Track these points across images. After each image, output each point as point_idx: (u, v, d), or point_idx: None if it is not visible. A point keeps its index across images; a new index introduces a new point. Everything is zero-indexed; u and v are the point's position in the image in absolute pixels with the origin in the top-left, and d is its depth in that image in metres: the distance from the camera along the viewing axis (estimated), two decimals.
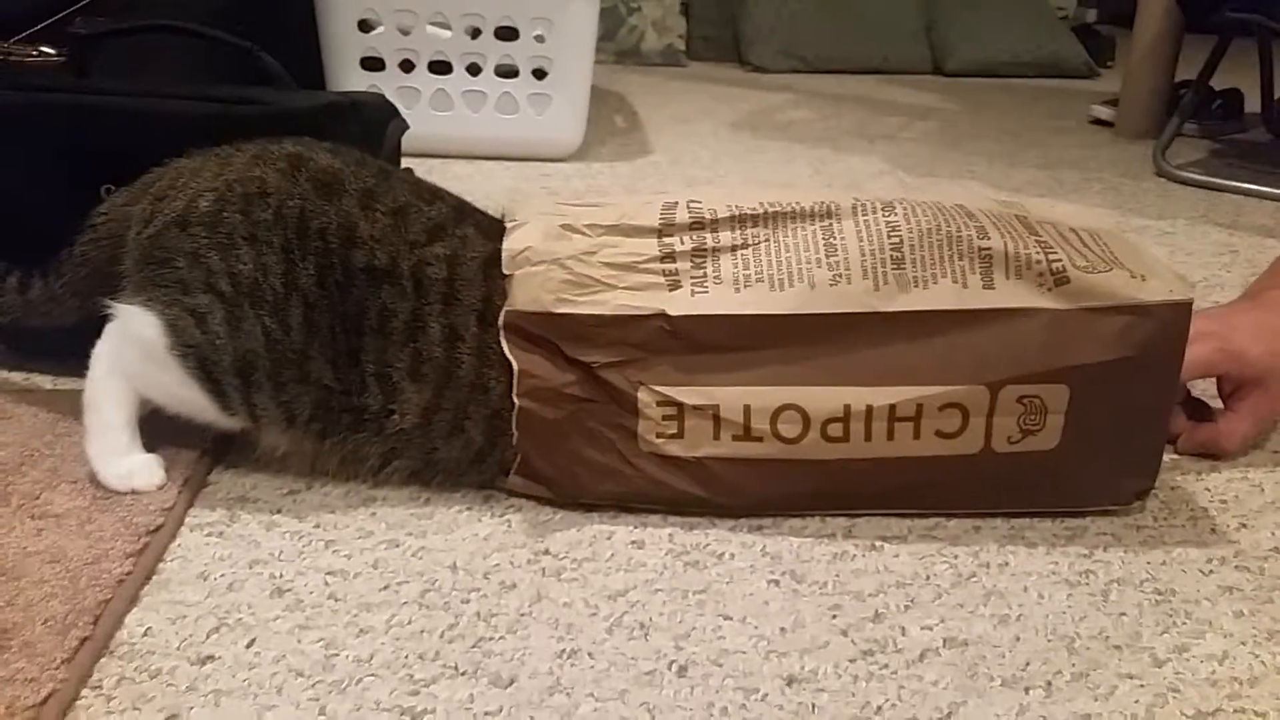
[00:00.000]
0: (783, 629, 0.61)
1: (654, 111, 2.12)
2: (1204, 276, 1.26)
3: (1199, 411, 0.84)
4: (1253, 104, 2.13)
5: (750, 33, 2.76)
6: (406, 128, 0.94)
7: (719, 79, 2.60)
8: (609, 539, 0.68)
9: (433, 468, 0.70)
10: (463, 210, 0.71)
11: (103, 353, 0.69)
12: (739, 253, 0.69)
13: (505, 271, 0.67)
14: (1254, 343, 0.80)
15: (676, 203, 0.72)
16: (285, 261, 0.66)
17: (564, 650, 0.58)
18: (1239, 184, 1.69)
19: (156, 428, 0.71)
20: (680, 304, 0.67)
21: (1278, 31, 1.74)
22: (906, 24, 2.87)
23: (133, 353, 0.67)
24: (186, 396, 0.67)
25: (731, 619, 0.61)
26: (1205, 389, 0.86)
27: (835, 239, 0.69)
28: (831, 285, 0.67)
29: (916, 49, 2.85)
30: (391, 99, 1.55)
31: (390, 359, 0.66)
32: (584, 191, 1.51)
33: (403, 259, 0.66)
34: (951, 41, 2.85)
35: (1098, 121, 2.19)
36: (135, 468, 0.69)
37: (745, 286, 0.67)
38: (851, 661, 0.58)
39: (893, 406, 0.67)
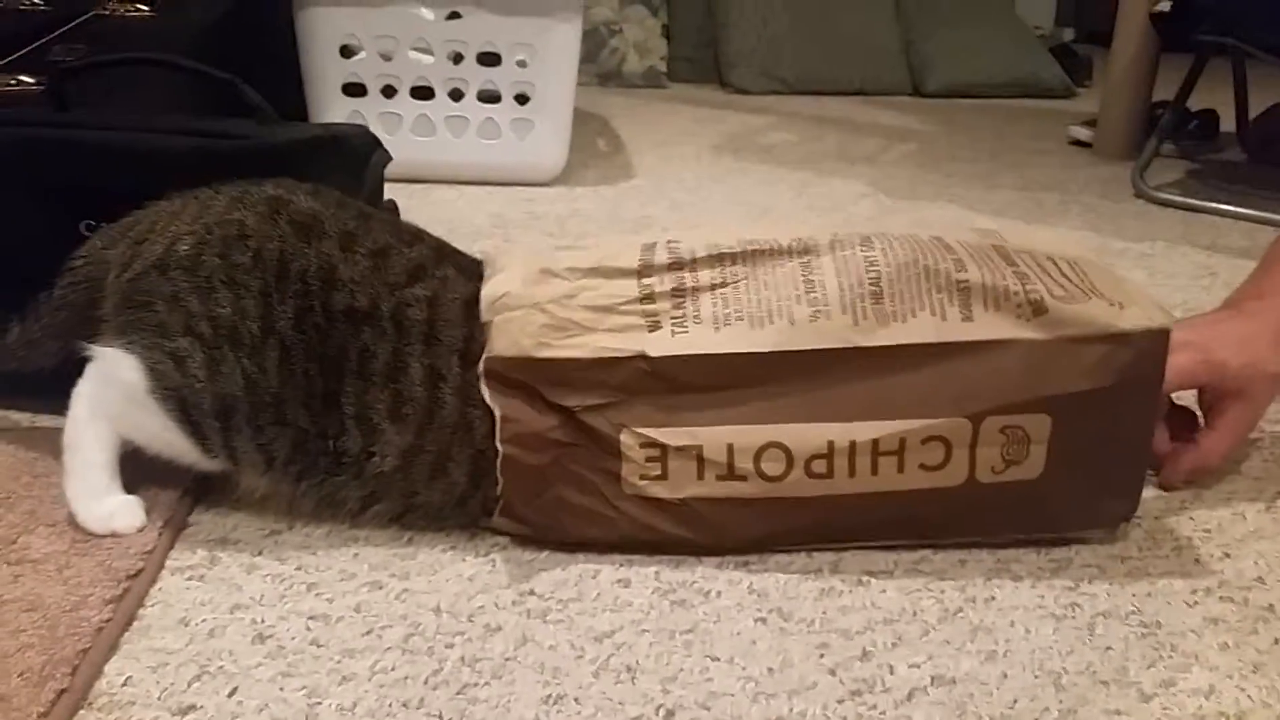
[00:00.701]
0: (770, 669, 0.60)
1: (636, 134, 2.12)
2: (1183, 299, 1.26)
3: (1183, 425, 0.84)
4: (1229, 124, 2.16)
5: (731, 55, 2.77)
6: (389, 159, 0.94)
7: (700, 101, 2.61)
8: (595, 578, 0.68)
9: (414, 511, 0.69)
10: (443, 251, 0.71)
11: (84, 393, 0.68)
12: (718, 291, 0.69)
13: (484, 318, 0.67)
14: (1236, 354, 0.80)
15: (655, 243, 0.72)
16: (263, 305, 0.65)
17: (550, 695, 0.57)
18: (1217, 205, 1.71)
19: (136, 468, 0.70)
20: (660, 345, 0.66)
21: (1251, 53, 1.76)
22: (885, 45, 2.89)
23: (114, 395, 0.67)
24: (168, 439, 0.67)
25: (719, 660, 0.61)
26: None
27: (814, 275, 0.69)
28: (811, 321, 0.67)
29: (895, 70, 2.87)
30: (373, 124, 1.56)
31: (371, 401, 0.66)
32: (567, 216, 1.51)
33: (383, 301, 0.66)
34: (930, 62, 2.87)
35: (1076, 142, 2.20)
36: (116, 509, 0.68)
37: (725, 325, 0.67)
38: (840, 702, 0.58)
39: (876, 441, 0.67)
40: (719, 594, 0.67)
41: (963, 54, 2.88)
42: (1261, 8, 1.66)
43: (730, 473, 0.67)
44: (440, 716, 0.55)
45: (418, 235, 0.71)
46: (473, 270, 0.70)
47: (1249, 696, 0.60)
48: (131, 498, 0.69)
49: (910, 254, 0.69)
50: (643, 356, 0.66)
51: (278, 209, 0.67)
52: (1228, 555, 0.74)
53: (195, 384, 0.65)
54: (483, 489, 0.68)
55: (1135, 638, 0.64)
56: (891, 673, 0.60)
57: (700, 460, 0.67)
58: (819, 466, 0.67)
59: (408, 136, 1.60)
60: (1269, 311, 0.82)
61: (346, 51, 1.58)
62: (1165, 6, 1.83)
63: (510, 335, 0.66)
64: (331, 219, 0.68)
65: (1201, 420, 0.83)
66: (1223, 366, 0.80)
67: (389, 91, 1.60)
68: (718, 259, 0.70)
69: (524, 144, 1.63)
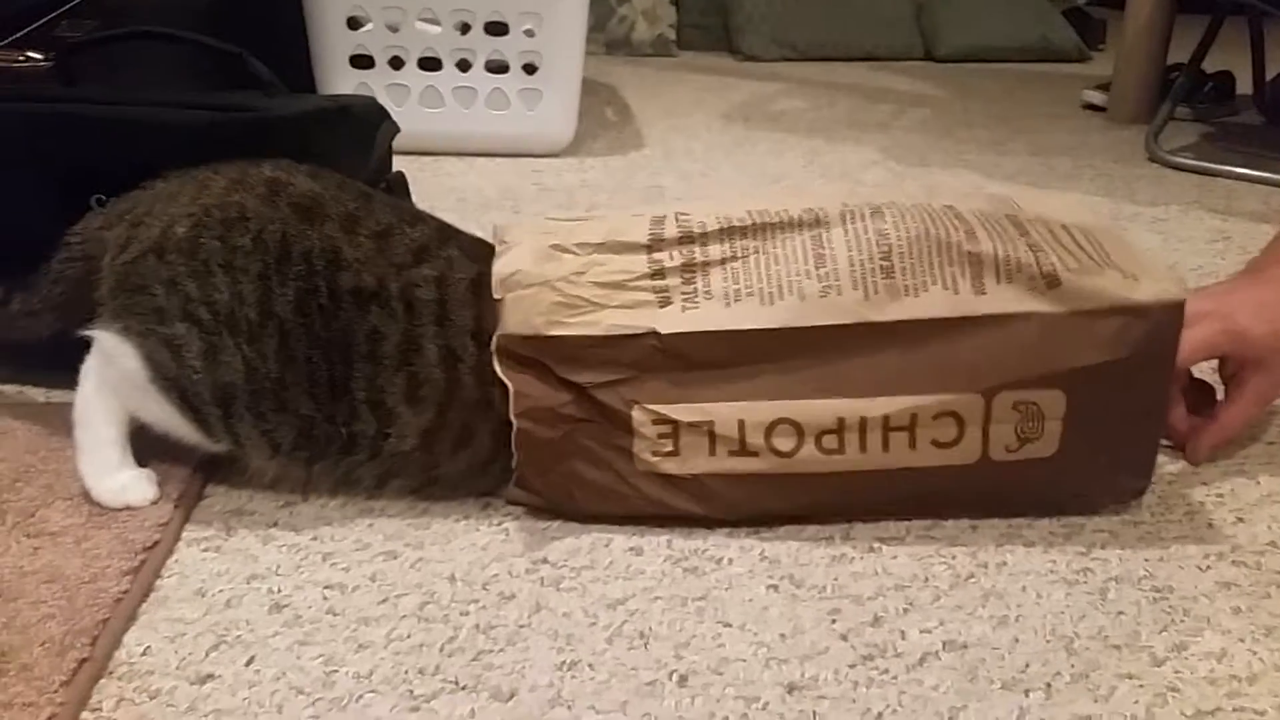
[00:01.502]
0: (782, 635, 0.61)
1: (645, 103, 2.11)
2: (1198, 264, 1.26)
3: (1201, 400, 0.83)
4: (1245, 85, 2.13)
5: (741, 21, 2.74)
6: (397, 131, 0.94)
7: (710, 69, 2.59)
8: (607, 546, 0.68)
9: (435, 483, 0.70)
10: (445, 232, 0.71)
11: (91, 369, 0.69)
12: (729, 266, 0.68)
13: (496, 295, 0.67)
14: (1256, 322, 0.78)
15: (665, 216, 0.71)
16: (262, 289, 0.65)
17: (564, 662, 0.58)
18: (1232, 168, 1.69)
19: (150, 442, 0.71)
20: (671, 321, 0.66)
21: (1269, 12, 1.74)
22: (897, 9, 2.86)
23: (116, 375, 0.67)
24: (171, 422, 0.67)
25: (731, 626, 0.61)
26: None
27: (825, 249, 0.68)
28: (822, 297, 0.66)
29: (907, 35, 2.84)
30: (381, 96, 1.56)
31: (383, 385, 0.66)
32: (576, 187, 1.50)
33: (390, 281, 0.66)
34: (942, 27, 2.83)
35: (1090, 106, 2.18)
36: (128, 483, 0.69)
37: (735, 301, 0.67)
38: (851, 667, 0.58)
39: (886, 417, 0.66)
40: (730, 561, 0.67)
41: (975, 18, 2.84)
42: None
43: (742, 449, 0.67)
44: (456, 683, 0.56)
45: (419, 216, 0.71)
46: (475, 250, 0.70)
47: (1260, 659, 0.60)
48: (144, 471, 0.70)
49: (922, 225, 0.68)
50: (654, 334, 0.66)
51: (277, 190, 0.67)
52: (1241, 520, 0.73)
53: (193, 373, 0.65)
54: (503, 456, 0.68)
55: (1147, 602, 0.64)
56: (903, 638, 0.61)
57: (712, 436, 0.67)
58: (830, 442, 0.67)
59: (416, 108, 1.59)
60: None
61: (354, 23, 1.57)
62: None
63: (522, 313, 0.66)
64: (332, 200, 0.68)
65: (1221, 393, 0.83)
66: (1244, 334, 0.78)
67: (396, 63, 1.59)
68: (728, 232, 0.69)
69: (532, 114, 1.63)
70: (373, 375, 0.66)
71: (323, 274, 0.66)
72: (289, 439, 0.67)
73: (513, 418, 0.66)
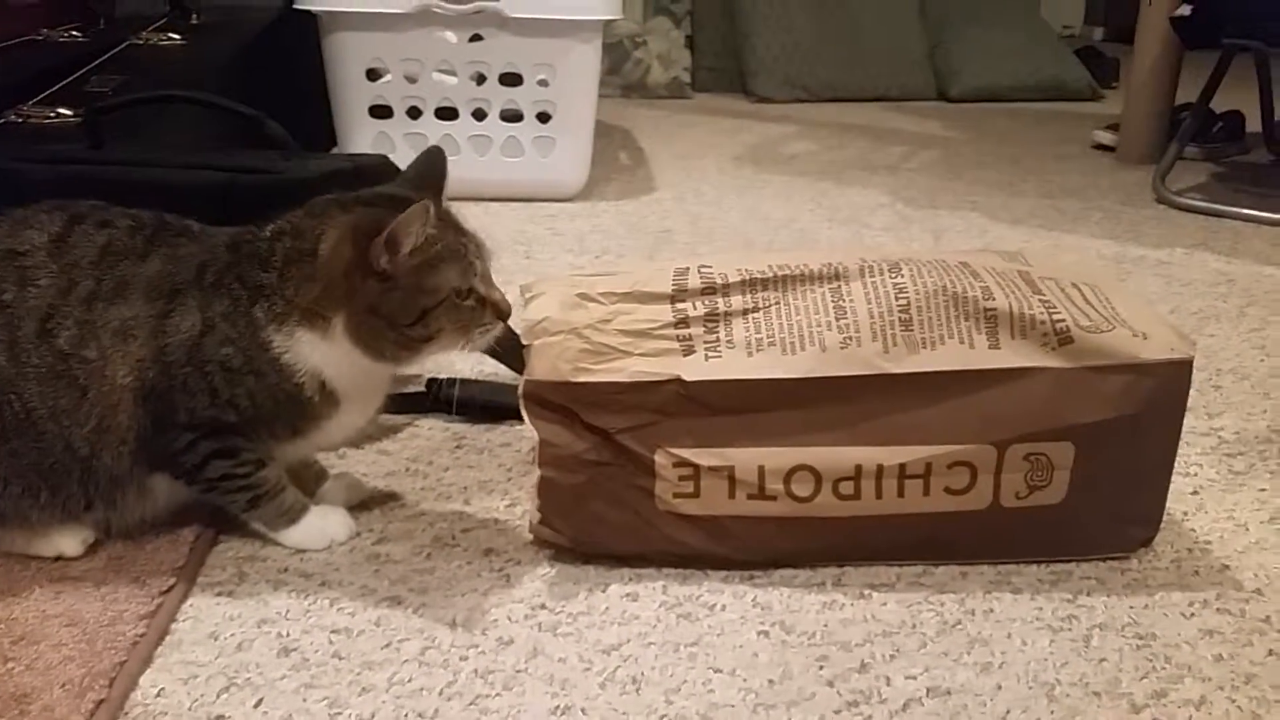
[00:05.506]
0: (771, 681, 0.63)
1: (658, 147, 2.15)
2: (1199, 307, 1.27)
3: None
4: (1254, 124, 2.14)
5: (754, 64, 2.78)
6: None
7: (724, 111, 2.63)
8: (604, 591, 0.70)
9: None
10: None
11: None
12: (750, 316, 0.71)
13: (524, 342, 0.70)
14: None
15: (688, 268, 0.74)
16: None
17: (558, 706, 0.60)
18: (1239, 209, 1.70)
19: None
20: (695, 369, 0.69)
21: (1272, 52, 1.75)
22: (910, 50, 2.89)
23: None
24: None
25: (721, 671, 0.63)
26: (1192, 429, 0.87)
27: (844, 301, 0.71)
28: (842, 348, 0.69)
29: (920, 75, 2.87)
30: (399, 145, 1.60)
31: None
32: (588, 232, 1.54)
33: None
34: (955, 67, 2.87)
35: (1100, 146, 2.20)
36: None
37: (757, 350, 0.70)
38: (836, 713, 0.60)
39: (902, 465, 0.69)
40: (724, 607, 0.69)
41: (989, 58, 2.87)
42: None
43: (761, 493, 0.69)
44: None
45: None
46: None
47: (1239, 707, 0.61)
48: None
49: (939, 281, 0.71)
50: (678, 380, 0.68)
51: None
52: (1228, 567, 0.75)
53: None
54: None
55: (1130, 649, 0.66)
56: (888, 684, 0.63)
57: (732, 480, 0.69)
58: (846, 488, 0.69)
59: None
60: None
61: (373, 74, 1.62)
62: (1185, 10, 1.83)
63: (549, 360, 0.69)
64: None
65: None
66: None
67: (414, 113, 1.64)
68: (749, 284, 0.72)
69: (546, 161, 1.67)
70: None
71: None
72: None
73: (538, 468, 0.69)
